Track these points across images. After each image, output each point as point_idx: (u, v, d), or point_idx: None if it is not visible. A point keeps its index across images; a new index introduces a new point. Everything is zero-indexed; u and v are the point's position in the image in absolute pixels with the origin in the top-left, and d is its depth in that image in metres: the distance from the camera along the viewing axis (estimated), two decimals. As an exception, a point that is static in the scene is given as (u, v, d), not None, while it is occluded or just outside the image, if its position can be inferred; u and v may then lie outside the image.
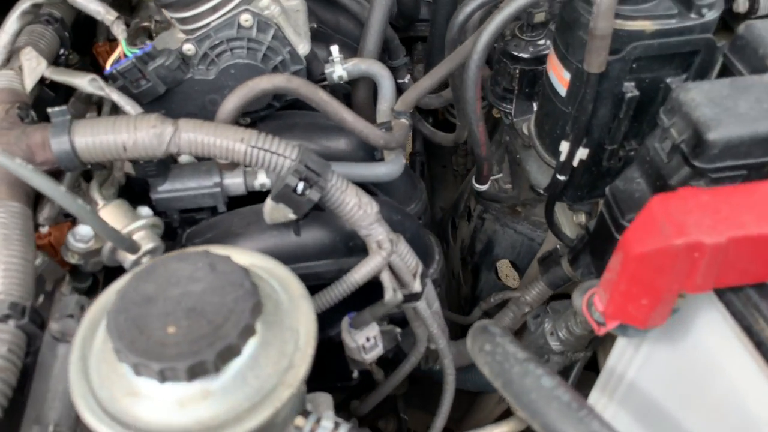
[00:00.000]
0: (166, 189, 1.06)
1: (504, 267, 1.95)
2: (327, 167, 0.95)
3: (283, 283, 0.78)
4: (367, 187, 1.26)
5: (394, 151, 1.20)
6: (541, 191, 1.31)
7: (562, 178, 1.15)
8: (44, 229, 1.00)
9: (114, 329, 0.66)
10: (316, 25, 1.31)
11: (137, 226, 0.93)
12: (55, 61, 1.16)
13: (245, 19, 1.08)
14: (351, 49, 1.49)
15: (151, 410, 0.66)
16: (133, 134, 0.90)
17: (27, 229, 0.83)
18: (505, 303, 1.44)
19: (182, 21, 1.15)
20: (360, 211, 0.97)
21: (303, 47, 1.19)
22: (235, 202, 1.13)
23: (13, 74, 1.03)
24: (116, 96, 1.03)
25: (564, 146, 1.11)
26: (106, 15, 1.05)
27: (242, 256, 0.80)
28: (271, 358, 0.71)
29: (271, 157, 0.93)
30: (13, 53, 1.05)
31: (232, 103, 1.01)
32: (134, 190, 1.12)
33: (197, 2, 1.11)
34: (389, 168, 1.17)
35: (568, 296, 1.49)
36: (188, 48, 1.09)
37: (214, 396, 0.68)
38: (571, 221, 1.38)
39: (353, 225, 0.99)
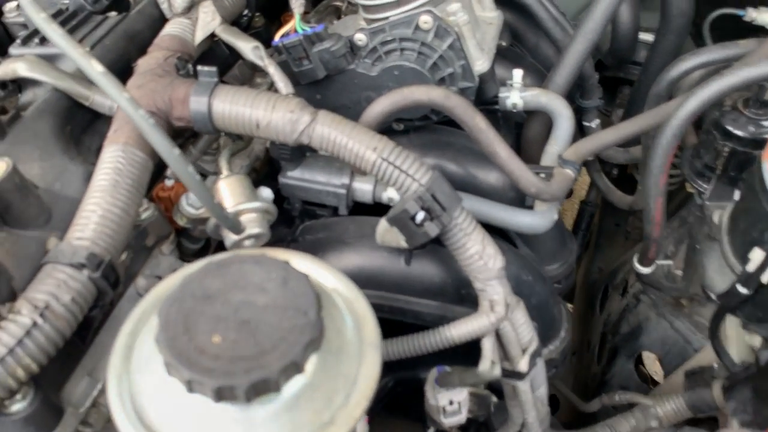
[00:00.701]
0: (295, 176, 1.01)
1: (649, 361, 1.70)
2: (456, 203, 0.83)
3: (358, 322, 0.68)
4: (508, 233, 1.12)
5: (548, 203, 1.05)
6: (713, 296, 1.09)
7: (743, 290, 0.94)
8: (169, 182, 0.99)
9: (163, 318, 0.61)
10: (505, 43, 1.19)
11: (248, 207, 0.88)
12: (235, 20, 1.16)
13: (424, 21, 0.98)
14: (540, 77, 1.35)
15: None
16: (269, 113, 0.85)
17: (139, 181, 0.80)
18: (631, 406, 1.23)
19: (366, 8, 1.09)
20: (480, 262, 0.84)
21: (481, 64, 1.07)
22: (362, 207, 1.05)
23: (187, 24, 1.02)
24: (273, 69, 0.98)
25: (757, 255, 0.90)
26: (291, -17, 1.01)
27: (330, 277, 0.72)
28: (314, 405, 0.61)
29: (399, 175, 0.83)
30: (195, 4, 1.05)
31: (381, 106, 0.93)
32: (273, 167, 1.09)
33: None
34: (535, 220, 1.03)
35: (707, 423, 1.24)
36: (360, 38, 1.02)
37: (238, 424, 0.60)
38: (740, 341, 1.13)
39: (469, 274, 0.86)
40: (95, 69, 0.72)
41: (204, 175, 1.07)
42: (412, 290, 0.94)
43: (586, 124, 1.40)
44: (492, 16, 1.17)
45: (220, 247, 0.94)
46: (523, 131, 1.25)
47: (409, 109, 0.95)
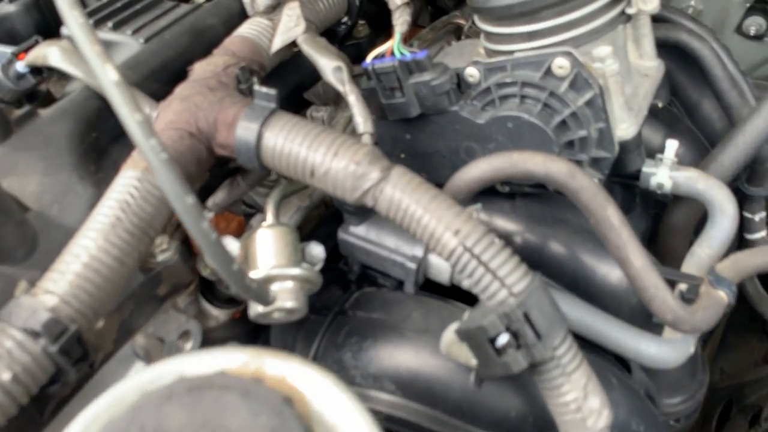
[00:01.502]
0: (358, 234, 0.80)
1: None
2: (558, 329, 0.59)
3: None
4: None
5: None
6: None
7: None
8: (208, 215, 0.81)
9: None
10: (662, 104, 0.92)
11: (284, 273, 0.68)
12: (331, 29, 0.96)
13: (560, 65, 0.74)
14: (697, 148, 1.07)
15: None
16: (329, 160, 0.64)
17: (151, 221, 0.62)
18: None
19: (488, 36, 0.86)
20: (577, 415, 0.60)
21: (626, 128, 0.81)
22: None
23: (266, 26, 0.84)
24: (353, 98, 0.78)
25: None
26: (395, -5, 0.80)
27: (351, 405, 0.50)
28: None
29: (484, 275, 0.60)
30: (281, 3, 0.86)
31: (479, 170, 0.70)
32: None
33: (515, 19, 0.81)
34: (663, 353, 0.76)
35: None
36: (471, 73, 0.79)
37: None
38: None
39: (558, 424, 0.62)
40: (107, 75, 0.55)
41: (254, 212, 0.88)
42: (476, 419, 0.71)
43: (747, 215, 1.09)
44: (650, 66, 0.91)
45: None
46: (666, 215, 0.98)
47: (518, 179, 0.71)
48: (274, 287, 0.68)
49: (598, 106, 0.75)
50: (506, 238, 0.89)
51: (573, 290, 0.86)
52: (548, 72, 0.75)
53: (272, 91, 0.68)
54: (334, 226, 0.84)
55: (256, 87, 0.68)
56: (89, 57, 0.55)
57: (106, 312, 0.62)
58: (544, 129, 0.76)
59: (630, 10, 0.81)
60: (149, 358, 0.70)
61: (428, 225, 0.62)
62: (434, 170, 0.88)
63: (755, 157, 1.02)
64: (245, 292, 0.63)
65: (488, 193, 0.82)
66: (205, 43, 0.83)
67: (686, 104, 1.17)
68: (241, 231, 0.86)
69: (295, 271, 0.69)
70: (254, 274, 0.68)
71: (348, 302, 0.82)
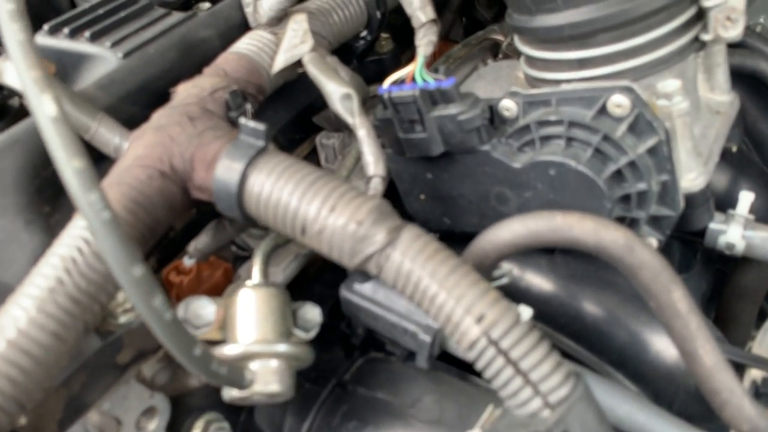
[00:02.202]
0: (363, 293, 0.67)
1: None
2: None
3: None
4: None
5: None
6: None
7: None
8: (189, 262, 0.69)
9: None
10: (735, 148, 0.77)
11: (267, 350, 0.56)
12: (348, 44, 0.83)
13: (618, 103, 0.60)
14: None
15: None
16: (324, 216, 0.52)
17: (103, 284, 0.50)
18: None
19: (530, 61, 0.73)
20: None
21: (693, 179, 0.67)
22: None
23: (269, 41, 0.72)
24: (363, 133, 0.65)
25: None
26: (419, 10, 0.67)
27: None
28: None
29: (513, 378, 0.47)
30: (289, 13, 0.74)
31: (511, 234, 0.56)
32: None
33: (563, 43, 0.67)
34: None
35: None
36: (508, 106, 0.65)
37: None
38: None
39: None
40: (43, 108, 0.43)
41: (247, 255, 0.76)
42: None
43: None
44: (722, 102, 0.76)
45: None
46: (734, 275, 0.83)
47: (562, 246, 0.57)
48: (254, 366, 0.56)
49: (663, 154, 0.61)
50: (541, 301, 0.75)
51: (619, 369, 0.72)
52: (603, 110, 0.61)
53: (261, 126, 0.55)
54: (341, 272, 0.72)
55: (243, 120, 0.56)
56: (24, 83, 0.43)
57: (43, 392, 0.50)
58: (595, 180, 0.62)
59: (705, 37, 0.66)
60: (104, 438, 0.58)
61: (444, 305, 0.49)
62: (459, 217, 0.75)
63: None
64: (213, 378, 0.51)
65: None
66: (197, 59, 0.71)
67: (757, 140, 1.01)
68: (228, 280, 0.74)
69: (281, 347, 0.56)
70: (230, 350, 0.56)
71: (349, 372, 0.69)
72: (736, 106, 0.77)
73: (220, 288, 0.71)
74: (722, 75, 0.76)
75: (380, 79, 0.96)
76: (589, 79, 0.67)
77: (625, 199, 0.63)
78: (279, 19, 0.73)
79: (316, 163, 0.84)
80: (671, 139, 0.62)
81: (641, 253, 0.52)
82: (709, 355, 0.54)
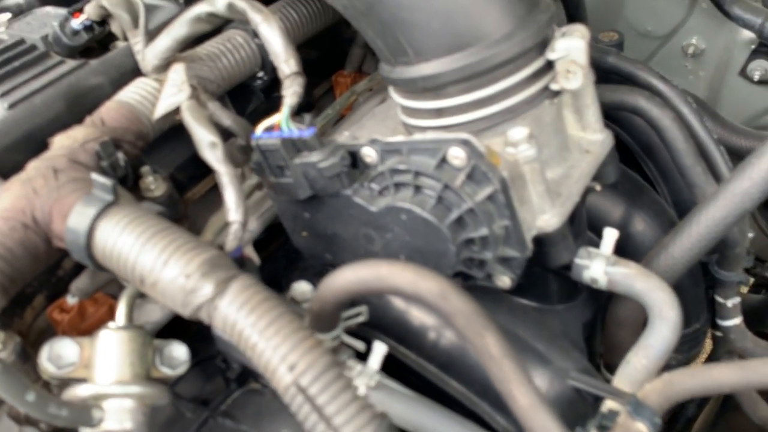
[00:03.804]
0: (234, 330, 0.71)
1: None
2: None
3: None
4: None
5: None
6: None
7: None
8: (72, 300, 0.74)
9: None
10: (599, 187, 0.80)
11: (120, 391, 0.60)
12: (242, 84, 0.87)
13: (456, 155, 0.64)
14: (664, 227, 0.95)
15: None
16: (158, 269, 0.56)
17: None
18: None
19: (402, 108, 0.76)
20: None
21: (548, 219, 0.70)
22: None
23: (153, 89, 0.76)
24: (226, 180, 0.69)
25: None
26: (283, 63, 0.71)
27: None
28: None
29: (317, 424, 0.51)
30: (173, 61, 0.78)
31: (344, 281, 0.60)
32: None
33: (420, 93, 0.71)
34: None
35: None
36: (368, 153, 0.69)
37: None
38: None
39: None
40: None
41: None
42: None
43: (719, 300, 0.97)
44: (593, 141, 0.79)
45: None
46: (611, 306, 0.86)
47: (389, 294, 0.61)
48: (107, 405, 0.60)
49: (501, 202, 0.64)
50: (421, 334, 0.79)
51: (483, 398, 0.75)
52: (444, 161, 0.65)
53: (109, 182, 0.59)
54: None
55: (93, 176, 0.60)
56: None
57: None
58: (438, 226, 0.65)
59: (553, 86, 0.70)
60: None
61: (262, 355, 0.53)
62: (338, 253, 0.78)
63: (723, 241, 0.90)
64: (52, 419, 0.55)
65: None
66: (87, 107, 0.75)
67: (662, 168, 1.05)
68: (112, 316, 0.78)
69: (132, 388, 0.60)
70: (81, 391, 0.60)
71: (225, 403, 0.74)
72: (607, 144, 0.80)
73: (104, 324, 0.75)
74: (592, 115, 0.79)
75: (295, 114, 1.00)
76: (446, 127, 0.71)
77: (471, 242, 0.67)
78: (165, 67, 0.77)
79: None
80: (519, 183, 0.66)
81: (455, 301, 0.56)
82: (524, 397, 0.57)
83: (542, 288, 0.85)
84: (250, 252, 0.83)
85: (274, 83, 0.95)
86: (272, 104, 0.97)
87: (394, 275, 0.57)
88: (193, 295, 0.55)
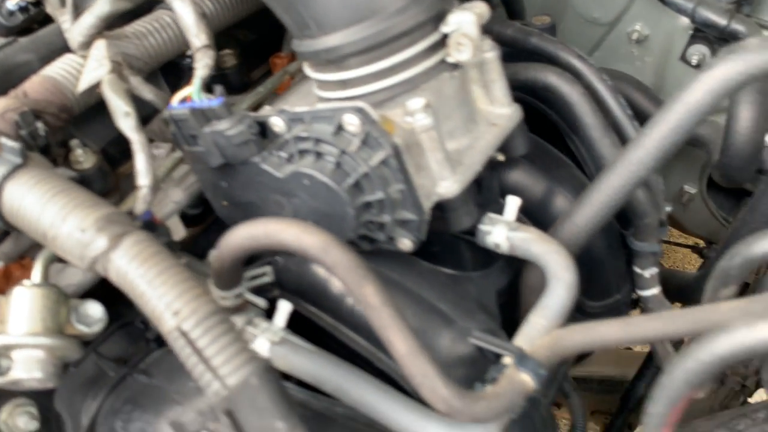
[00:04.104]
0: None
1: None
2: (277, 425, 0.53)
3: None
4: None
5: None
6: None
7: None
8: (-2, 264, 0.77)
9: None
10: (502, 157, 0.84)
11: (29, 342, 0.64)
12: (174, 62, 0.91)
13: (349, 122, 0.68)
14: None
15: None
16: (58, 225, 0.60)
17: None
18: None
19: (315, 83, 0.80)
20: None
21: (447, 186, 0.74)
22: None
23: (79, 64, 0.80)
24: (137, 147, 0.73)
25: None
26: (194, 37, 0.75)
27: None
28: None
29: (197, 364, 0.55)
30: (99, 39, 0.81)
31: (238, 239, 0.64)
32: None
33: (325, 66, 0.75)
34: (452, 439, 0.69)
35: None
36: (276, 123, 0.73)
37: None
38: None
39: None
40: None
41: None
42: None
43: (637, 271, 1.01)
44: (500, 114, 0.83)
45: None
46: (523, 271, 0.90)
47: (278, 249, 0.65)
48: (18, 355, 0.64)
49: (394, 166, 0.68)
50: (339, 300, 0.83)
51: (391, 358, 0.79)
52: (340, 128, 0.69)
53: (17, 145, 0.63)
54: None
55: (2, 139, 0.64)
56: None
57: None
58: (336, 189, 0.69)
59: (449, 59, 0.74)
60: None
61: (149, 302, 0.57)
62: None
63: (634, 212, 0.94)
64: (-44, 366, 0.59)
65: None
66: (14, 82, 0.79)
67: (586, 142, 1.08)
68: (39, 280, 0.82)
69: (42, 339, 0.64)
70: (-4, 341, 0.64)
71: (144, 362, 0.78)
72: (515, 118, 0.85)
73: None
74: (499, 90, 0.83)
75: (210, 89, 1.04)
76: (351, 98, 0.75)
77: (368, 206, 0.71)
78: (89, 44, 0.81)
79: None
80: (404, 153, 0.70)
81: (335, 254, 0.60)
82: (402, 343, 0.61)
83: (456, 255, 0.89)
84: (176, 222, 0.87)
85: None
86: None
87: (281, 232, 0.61)
88: (89, 249, 0.59)
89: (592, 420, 1.97)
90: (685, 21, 1.38)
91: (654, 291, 1.01)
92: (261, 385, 0.55)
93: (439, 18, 0.73)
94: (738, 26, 1.19)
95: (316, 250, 0.60)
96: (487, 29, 1.05)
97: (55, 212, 0.60)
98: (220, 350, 0.55)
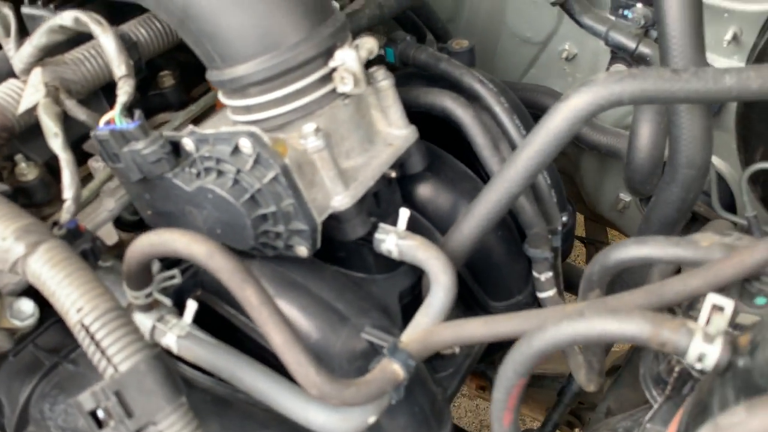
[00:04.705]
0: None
1: None
2: (162, 406, 0.64)
3: None
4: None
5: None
6: None
7: None
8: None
9: None
10: (394, 174, 0.95)
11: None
12: (113, 84, 1.01)
13: (243, 144, 0.78)
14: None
15: None
16: (-16, 231, 0.70)
17: None
18: None
19: (228, 107, 0.90)
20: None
21: (340, 200, 0.85)
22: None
23: (19, 89, 0.90)
24: (64, 164, 0.83)
25: None
26: (116, 67, 0.85)
27: None
28: None
29: (95, 353, 0.65)
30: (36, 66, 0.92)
31: (142, 245, 0.74)
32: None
33: (231, 93, 0.85)
34: (333, 421, 0.79)
35: None
36: (187, 143, 0.83)
37: None
38: None
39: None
40: None
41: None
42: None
43: (535, 274, 1.11)
44: (397, 135, 0.94)
45: None
46: (422, 277, 1.00)
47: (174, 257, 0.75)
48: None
49: (284, 183, 0.79)
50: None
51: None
52: (237, 150, 0.79)
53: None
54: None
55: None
56: None
57: None
58: (234, 203, 0.80)
59: (338, 90, 0.84)
60: None
61: (58, 300, 0.67)
62: (174, 227, 0.92)
63: (522, 222, 1.05)
64: None
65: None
66: (-38, 104, 0.89)
67: (480, 159, 1.18)
68: None
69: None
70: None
71: (74, 353, 0.88)
72: (410, 138, 0.95)
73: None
74: (395, 113, 0.94)
75: (164, 110, 1.14)
76: (254, 122, 0.85)
77: (263, 218, 0.81)
78: (29, 70, 0.91)
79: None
80: (294, 171, 0.80)
81: (219, 260, 0.70)
82: (278, 336, 0.72)
83: (361, 260, 0.99)
84: (109, 229, 0.97)
85: (145, 83, 1.09)
86: (147, 101, 1.11)
87: (174, 241, 0.72)
88: (8, 254, 0.69)
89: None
90: (607, 41, 1.49)
91: (549, 293, 1.12)
92: (148, 370, 0.65)
93: (329, 53, 0.83)
94: (645, 49, 1.30)
95: (202, 257, 0.70)
96: (404, 53, 1.16)
97: (-14, 215, 0.70)
98: (114, 341, 0.65)
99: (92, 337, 0.65)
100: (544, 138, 0.84)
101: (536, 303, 1.20)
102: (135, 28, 0.98)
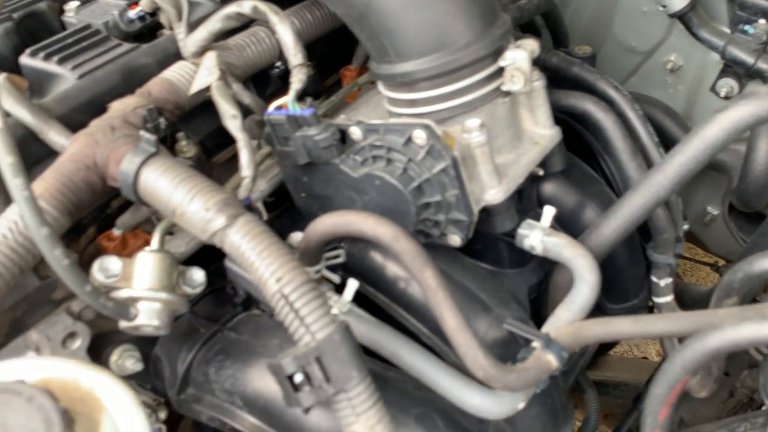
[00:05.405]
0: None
1: None
2: (353, 374, 0.68)
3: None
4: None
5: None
6: None
7: None
8: (117, 232, 0.93)
9: None
10: (542, 172, 0.98)
11: (151, 296, 0.79)
12: (263, 71, 1.06)
13: (418, 135, 0.82)
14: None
15: None
16: (186, 203, 0.75)
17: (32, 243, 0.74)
18: None
19: (387, 99, 0.95)
20: (361, 451, 0.69)
21: (494, 194, 0.89)
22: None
23: (190, 70, 0.95)
24: (242, 145, 0.88)
25: None
26: (292, 56, 0.90)
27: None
28: None
29: (294, 321, 0.70)
30: (209, 48, 0.97)
31: (323, 225, 0.79)
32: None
33: (399, 87, 0.89)
34: (485, 404, 0.83)
35: None
36: (354, 131, 0.88)
37: None
38: None
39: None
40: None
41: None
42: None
43: (654, 280, 1.13)
44: (542, 135, 0.97)
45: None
46: (554, 271, 1.04)
47: (355, 236, 0.80)
48: (142, 306, 0.80)
49: (452, 175, 0.83)
50: (393, 282, 0.97)
51: (437, 334, 0.93)
52: (409, 140, 0.83)
53: (153, 137, 0.79)
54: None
55: (141, 132, 0.79)
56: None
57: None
58: (402, 190, 0.84)
59: (504, 88, 0.88)
60: (39, 351, 0.83)
61: (257, 270, 0.72)
62: (328, 211, 0.97)
63: (653, 226, 1.07)
64: (102, 309, 0.75)
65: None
66: (137, 81, 0.95)
67: (615, 164, 1.21)
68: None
69: (160, 294, 0.80)
70: (123, 293, 0.79)
71: (231, 322, 0.93)
72: (555, 138, 0.98)
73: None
74: (542, 114, 0.97)
75: (301, 98, 1.19)
76: (417, 115, 0.89)
77: (426, 206, 0.85)
78: (200, 53, 0.96)
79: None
80: (469, 163, 0.84)
81: (404, 243, 0.75)
82: (452, 319, 0.76)
83: (495, 253, 1.03)
84: (260, 207, 1.02)
85: (288, 73, 1.14)
86: (286, 89, 1.16)
87: (359, 221, 0.76)
88: (210, 224, 0.74)
89: (605, 423, 2.09)
90: (716, 55, 1.50)
91: (667, 299, 1.14)
92: (342, 340, 0.69)
93: (497, 53, 0.87)
94: (764, 65, 1.31)
95: (388, 239, 0.75)
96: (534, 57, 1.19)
97: (184, 194, 0.75)
98: (311, 311, 0.69)
99: (291, 306, 0.70)
100: (698, 146, 0.87)
101: (648, 309, 1.22)
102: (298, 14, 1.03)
